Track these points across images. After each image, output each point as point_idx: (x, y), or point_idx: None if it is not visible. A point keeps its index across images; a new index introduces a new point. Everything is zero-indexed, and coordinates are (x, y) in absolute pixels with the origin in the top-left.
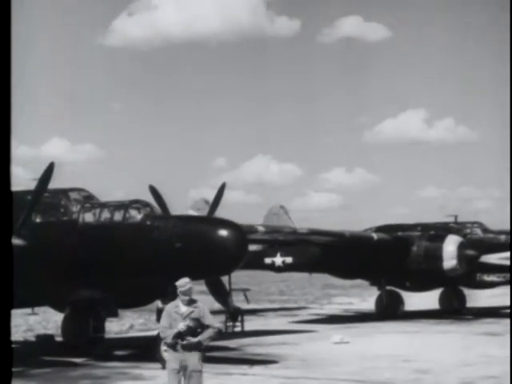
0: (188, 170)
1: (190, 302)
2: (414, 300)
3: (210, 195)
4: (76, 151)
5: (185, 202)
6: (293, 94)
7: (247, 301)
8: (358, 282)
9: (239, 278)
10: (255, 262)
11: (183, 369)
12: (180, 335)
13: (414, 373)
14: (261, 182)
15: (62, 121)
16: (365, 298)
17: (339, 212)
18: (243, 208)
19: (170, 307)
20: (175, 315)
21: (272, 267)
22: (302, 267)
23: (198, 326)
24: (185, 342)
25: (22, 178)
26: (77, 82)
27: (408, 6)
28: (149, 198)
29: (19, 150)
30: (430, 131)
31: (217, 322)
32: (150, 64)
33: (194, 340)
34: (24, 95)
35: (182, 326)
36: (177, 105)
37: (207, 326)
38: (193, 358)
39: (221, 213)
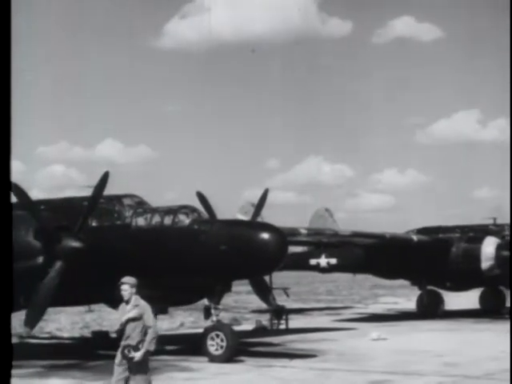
0: (241, 171)
1: (134, 301)
2: (457, 300)
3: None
4: (129, 153)
5: (238, 203)
6: (345, 95)
7: (287, 295)
8: (406, 282)
9: (288, 279)
10: (301, 263)
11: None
12: (121, 331)
13: (442, 365)
14: (313, 182)
15: (116, 122)
16: (410, 297)
17: (391, 213)
18: (295, 209)
19: (122, 305)
20: (122, 312)
21: (317, 268)
22: (346, 268)
23: (138, 316)
24: (131, 356)
25: (76, 179)
26: (130, 84)
27: (460, 6)
28: (211, 200)
29: (73, 152)
30: (483, 131)
31: (154, 321)
32: (202, 66)
33: (138, 355)
34: (77, 98)
35: (130, 314)
36: (229, 107)
37: (148, 327)
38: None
39: (273, 213)
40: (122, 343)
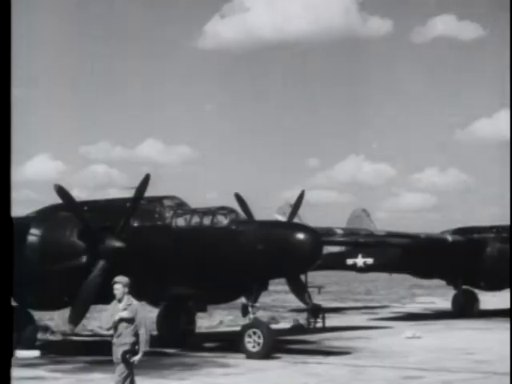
0: (281, 170)
1: (126, 301)
2: (493, 299)
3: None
4: (169, 152)
5: (278, 202)
6: (385, 94)
7: (319, 292)
8: (444, 282)
9: (328, 278)
10: (338, 263)
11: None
12: (115, 323)
13: (472, 362)
14: (353, 182)
15: (157, 122)
16: (447, 297)
17: (432, 212)
18: (335, 208)
19: (114, 302)
20: (115, 311)
21: (354, 268)
22: (382, 268)
23: (130, 317)
24: (131, 361)
25: (117, 179)
26: (170, 84)
27: (501, 3)
28: (249, 198)
29: (114, 151)
30: None
31: (146, 321)
32: (242, 66)
33: (137, 358)
34: (118, 98)
35: (122, 313)
36: (269, 106)
37: (140, 327)
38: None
39: (312, 213)
40: (114, 340)
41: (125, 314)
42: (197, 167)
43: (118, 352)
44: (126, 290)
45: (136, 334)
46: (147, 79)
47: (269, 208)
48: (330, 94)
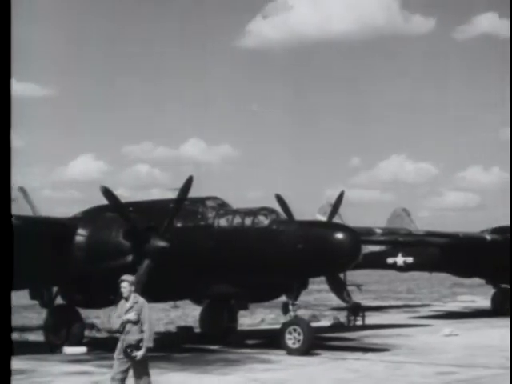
0: (324, 169)
1: (133, 298)
2: None
3: (344, 195)
4: (212, 152)
5: (320, 201)
6: (428, 92)
7: (360, 291)
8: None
9: (370, 277)
10: (378, 262)
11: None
12: (123, 324)
13: (505, 359)
14: (396, 180)
15: (199, 122)
16: (488, 296)
17: (475, 211)
18: (377, 207)
19: (121, 302)
20: (122, 309)
21: (394, 267)
22: (423, 267)
23: (136, 319)
24: (133, 355)
25: (159, 179)
26: (213, 84)
27: None
28: (292, 197)
29: (157, 151)
30: None
31: (151, 318)
32: (284, 65)
33: (140, 354)
34: (161, 98)
35: (128, 316)
36: (311, 105)
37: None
38: (139, 371)
39: (354, 212)
40: (122, 337)
41: (131, 316)
42: (239, 167)
43: (123, 350)
44: (133, 288)
45: (142, 331)
46: (190, 79)
47: (311, 207)
48: (371, 92)
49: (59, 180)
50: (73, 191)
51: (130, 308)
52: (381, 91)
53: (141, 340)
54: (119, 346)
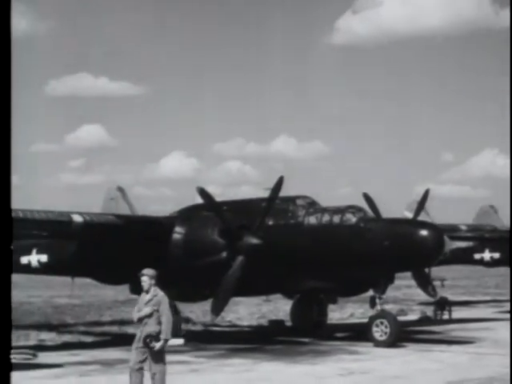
0: (414, 165)
1: (152, 292)
2: None
3: (435, 191)
4: (302, 148)
5: (411, 197)
6: None
7: (442, 285)
8: None
9: (460, 272)
10: (465, 258)
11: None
12: (141, 319)
13: None
14: (488, 176)
15: (289, 119)
16: None
17: None
18: (469, 203)
19: (142, 295)
20: (142, 301)
21: (481, 262)
22: (509, 262)
23: (151, 311)
24: (152, 345)
25: (250, 175)
26: (303, 80)
27: None
28: (381, 194)
29: (248, 148)
30: None
31: (169, 311)
32: (374, 61)
33: (159, 345)
34: (252, 95)
35: (143, 312)
36: (402, 100)
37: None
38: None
39: (445, 208)
40: (141, 329)
41: (147, 310)
42: (329, 163)
43: (142, 339)
44: (153, 281)
45: (160, 323)
46: (280, 76)
47: (401, 204)
48: (464, 87)
49: (151, 177)
50: (164, 189)
51: (149, 301)
52: (473, 86)
53: (159, 331)
54: (137, 336)
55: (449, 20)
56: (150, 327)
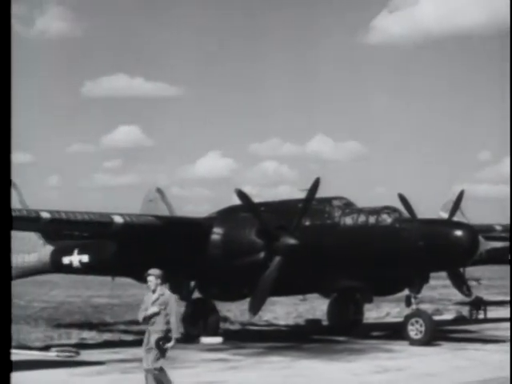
0: (450, 164)
1: (159, 291)
2: None
3: (471, 190)
4: (339, 148)
5: (447, 196)
6: None
7: (478, 285)
8: None
9: (495, 273)
10: (500, 258)
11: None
12: (147, 318)
13: None
14: None
15: (326, 119)
16: None
17: None
18: (506, 203)
19: (149, 294)
20: (148, 301)
21: None
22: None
23: (158, 310)
24: (165, 347)
25: (287, 175)
26: (339, 80)
27: None
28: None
29: (284, 148)
30: None
31: (177, 310)
32: (410, 60)
33: (171, 344)
34: (287, 95)
35: (150, 311)
36: (438, 100)
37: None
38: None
39: (481, 208)
40: (149, 328)
41: (155, 308)
42: (366, 163)
43: (151, 338)
44: (159, 281)
45: (168, 322)
46: (315, 76)
47: (437, 203)
48: (500, 86)
49: (187, 178)
50: (200, 189)
51: (156, 300)
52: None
53: (168, 331)
54: (146, 336)
55: (485, 20)
56: (158, 326)
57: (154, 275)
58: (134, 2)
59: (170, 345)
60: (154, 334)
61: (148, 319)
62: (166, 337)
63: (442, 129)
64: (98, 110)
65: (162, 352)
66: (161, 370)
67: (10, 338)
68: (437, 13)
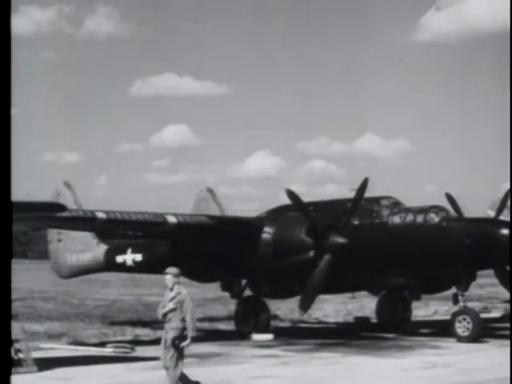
0: (501, 160)
1: (176, 289)
2: None
3: None
4: (387, 146)
5: (496, 194)
6: None
7: None
8: None
9: None
10: None
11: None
12: (164, 315)
13: None
14: None
15: (374, 117)
16: None
17: None
18: None
19: (167, 292)
20: (166, 299)
21: None
22: None
23: (174, 307)
24: (181, 346)
25: (335, 174)
26: (386, 78)
27: None
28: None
29: (332, 147)
30: None
31: (192, 308)
32: (459, 58)
33: (187, 343)
34: (336, 93)
35: (167, 307)
36: (489, 98)
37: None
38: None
39: None
40: (166, 326)
41: (171, 305)
42: (415, 161)
43: (167, 336)
44: (176, 280)
45: (183, 320)
46: (361, 74)
47: (485, 202)
48: None
49: (235, 176)
50: (249, 187)
51: (173, 298)
52: None
53: (183, 329)
54: (164, 334)
55: None
56: (174, 323)
57: (171, 274)
58: (181, 2)
59: (185, 343)
60: (170, 331)
61: (165, 316)
62: (181, 335)
63: (491, 126)
64: (147, 109)
65: (178, 351)
66: (181, 377)
67: (10, 337)
68: (485, 10)
